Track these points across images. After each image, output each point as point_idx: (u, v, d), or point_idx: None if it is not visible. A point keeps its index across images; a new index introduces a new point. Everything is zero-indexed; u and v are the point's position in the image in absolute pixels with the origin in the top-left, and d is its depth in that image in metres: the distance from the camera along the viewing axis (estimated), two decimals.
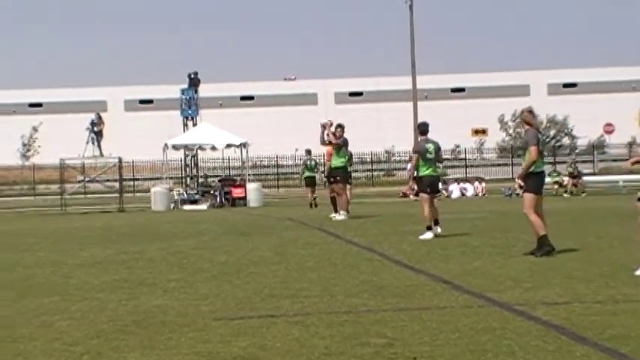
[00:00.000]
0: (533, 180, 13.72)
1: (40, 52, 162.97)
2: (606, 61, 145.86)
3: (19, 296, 10.62)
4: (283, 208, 36.11)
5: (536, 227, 13.52)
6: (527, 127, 14.07)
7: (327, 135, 24.70)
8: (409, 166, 19.88)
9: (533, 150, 13.58)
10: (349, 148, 25.39)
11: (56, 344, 7.58)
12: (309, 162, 35.65)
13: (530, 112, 14.30)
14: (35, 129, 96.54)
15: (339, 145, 24.60)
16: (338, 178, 24.73)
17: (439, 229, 17.62)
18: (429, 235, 17.21)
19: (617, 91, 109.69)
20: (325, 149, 27.23)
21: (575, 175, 45.49)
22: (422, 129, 18.49)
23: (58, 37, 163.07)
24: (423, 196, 17.83)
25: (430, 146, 17.88)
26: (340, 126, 24.93)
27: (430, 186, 17.97)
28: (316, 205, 33.51)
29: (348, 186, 26.32)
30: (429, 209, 17.55)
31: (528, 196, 13.71)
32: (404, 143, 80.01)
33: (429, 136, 18.11)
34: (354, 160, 26.38)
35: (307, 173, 35.42)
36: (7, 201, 64.43)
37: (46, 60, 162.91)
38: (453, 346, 7.00)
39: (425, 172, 17.83)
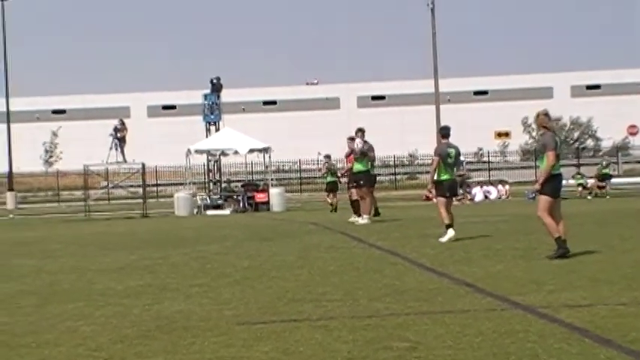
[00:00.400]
0: (550, 183, 13.57)
1: (63, 58, 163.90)
2: (630, 63, 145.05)
3: (44, 302, 10.67)
4: (306, 213, 36.12)
5: (551, 230, 13.46)
6: (543, 130, 13.95)
7: (357, 146, 24.74)
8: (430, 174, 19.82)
9: (551, 155, 13.46)
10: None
11: (80, 350, 7.61)
12: (332, 167, 35.73)
13: (547, 114, 14.03)
14: (55, 134, 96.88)
15: (365, 152, 24.72)
16: (362, 182, 24.75)
17: (452, 232, 17.43)
18: (450, 233, 17.16)
19: None
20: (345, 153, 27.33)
21: (605, 178, 45.21)
22: (443, 132, 18.50)
23: (81, 44, 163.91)
24: (441, 199, 17.82)
25: (452, 151, 17.93)
26: (361, 130, 24.99)
27: (449, 190, 18.03)
28: (336, 210, 33.59)
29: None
30: (446, 211, 17.56)
31: (544, 199, 13.59)
32: (427, 147, 79.77)
33: (451, 140, 18.11)
34: (377, 163, 26.46)
35: (330, 178, 35.48)
36: (32, 207, 64.82)
37: (69, 66, 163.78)
38: (476, 350, 6.98)
39: (444, 176, 17.83)
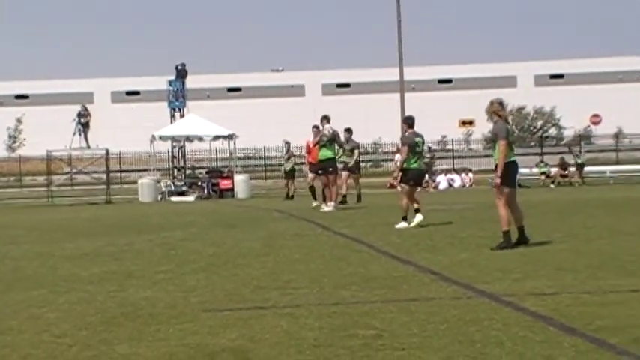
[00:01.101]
0: (505, 172, 13.42)
1: (27, 43, 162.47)
2: (593, 52, 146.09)
3: (7, 288, 10.59)
4: (271, 200, 36.09)
5: (502, 222, 13.37)
6: (496, 118, 13.85)
7: (328, 132, 24.88)
8: (397, 157, 19.99)
9: (502, 144, 13.36)
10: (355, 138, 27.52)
11: (44, 336, 7.56)
12: (291, 154, 35.89)
13: (500, 103, 14.01)
14: (19, 120, 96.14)
15: (333, 139, 24.86)
16: (330, 169, 24.80)
17: (421, 217, 17.82)
18: (403, 224, 17.57)
19: (604, 82, 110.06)
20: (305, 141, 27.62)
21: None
22: (409, 122, 18.67)
23: (46, 29, 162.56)
24: (405, 187, 18.08)
25: (419, 140, 18.17)
26: (326, 117, 25.03)
27: (414, 179, 18.28)
28: (292, 197, 33.74)
29: (351, 176, 28.15)
30: (407, 200, 17.89)
31: (500, 189, 13.51)
32: (391, 135, 79.98)
33: (415, 129, 18.32)
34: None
35: (289, 165, 35.48)
36: None
37: (32, 51, 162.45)
38: (441, 337, 7.01)
39: (413, 165, 18.07)
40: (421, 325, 7.46)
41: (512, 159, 13.63)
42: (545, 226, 16.39)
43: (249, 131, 70.03)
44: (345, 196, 26.89)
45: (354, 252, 13.48)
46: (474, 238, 14.86)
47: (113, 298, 9.55)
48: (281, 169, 41.58)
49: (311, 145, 26.28)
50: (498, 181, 13.46)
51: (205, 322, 7.95)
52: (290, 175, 35.46)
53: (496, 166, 13.54)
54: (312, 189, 27.23)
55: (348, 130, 28.91)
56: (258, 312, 8.35)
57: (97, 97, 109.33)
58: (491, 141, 14.09)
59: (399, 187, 19.97)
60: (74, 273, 11.85)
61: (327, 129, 24.85)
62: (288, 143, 37.05)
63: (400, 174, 18.34)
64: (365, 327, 7.47)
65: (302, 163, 37.84)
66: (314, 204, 26.32)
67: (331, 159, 24.83)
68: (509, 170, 13.53)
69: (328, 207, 24.30)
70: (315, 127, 25.96)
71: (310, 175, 26.57)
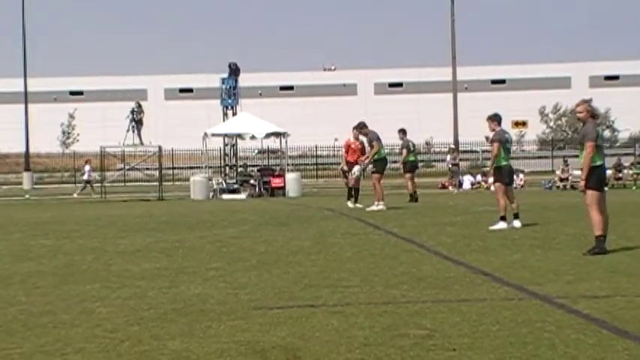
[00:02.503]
0: (592, 176, 12.86)
1: (81, 40, 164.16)
2: None
3: (61, 283, 10.70)
4: (322, 199, 36.10)
5: (595, 226, 12.81)
6: (586, 118, 13.03)
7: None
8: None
9: (590, 146, 12.71)
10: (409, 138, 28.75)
11: (97, 331, 7.63)
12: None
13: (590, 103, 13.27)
14: (72, 116, 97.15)
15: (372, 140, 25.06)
16: (375, 169, 24.95)
17: (518, 224, 17.36)
18: (502, 225, 17.07)
19: None
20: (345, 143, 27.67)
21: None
22: (497, 119, 18.05)
23: (100, 25, 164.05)
24: (500, 185, 17.65)
25: (508, 137, 17.91)
26: (362, 124, 25.47)
27: (509, 175, 18.01)
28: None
29: (408, 175, 29.56)
30: (504, 199, 17.45)
31: (590, 193, 12.89)
32: (443, 135, 79.76)
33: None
34: (393, 151, 28.06)
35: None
36: (48, 188, 65.03)
37: (87, 48, 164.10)
38: (493, 338, 6.97)
39: (503, 162, 17.73)
40: (472, 326, 7.42)
41: (599, 162, 12.93)
42: None
43: (301, 130, 70.25)
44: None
45: (405, 251, 13.45)
46: (527, 240, 14.75)
47: (165, 294, 9.61)
48: (332, 168, 41.67)
49: (352, 145, 26.40)
50: (582, 184, 12.95)
51: (256, 319, 7.97)
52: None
53: (582, 169, 13.08)
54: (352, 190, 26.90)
55: (402, 131, 29.81)
56: (309, 310, 8.35)
57: (151, 94, 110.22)
58: (578, 143, 13.39)
59: (492, 187, 19.55)
60: (127, 269, 11.95)
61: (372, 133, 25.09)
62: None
63: (493, 173, 17.85)
64: (415, 327, 7.45)
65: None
66: (354, 205, 26.06)
67: (380, 159, 25.04)
68: (596, 174, 12.93)
69: (379, 205, 24.26)
70: (359, 127, 25.85)
71: (376, 175, 25.90)
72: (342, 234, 16.72)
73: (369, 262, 12.00)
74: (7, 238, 17.70)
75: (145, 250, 14.55)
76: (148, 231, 18.78)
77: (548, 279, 10.07)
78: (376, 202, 24.43)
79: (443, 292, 9.29)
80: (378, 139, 25.08)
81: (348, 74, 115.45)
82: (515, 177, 47.68)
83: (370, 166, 26.37)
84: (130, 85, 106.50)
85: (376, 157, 25.02)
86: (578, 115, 13.39)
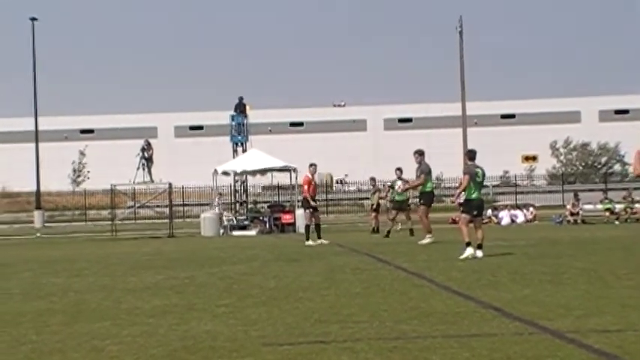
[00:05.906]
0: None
1: (91, 78, 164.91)
2: None
3: (71, 321, 10.70)
4: (332, 234, 36.02)
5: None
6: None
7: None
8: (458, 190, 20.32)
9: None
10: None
11: None
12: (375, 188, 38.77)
13: None
14: (82, 153, 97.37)
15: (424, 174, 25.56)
16: (422, 202, 25.75)
17: (480, 254, 18.43)
18: (469, 251, 18.34)
19: None
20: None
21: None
22: (471, 155, 19.55)
23: (109, 64, 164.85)
24: (466, 217, 18.96)
25: (479, 171, 18.98)
26: (422, 151, 26.17)
27: (477, 209, 19.09)
28: (378, 231, 34.58)
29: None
30: (467, 227, 18.71)
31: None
32: (453, 170, 79.70)
33: (477, 162, 19.33)
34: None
35: (374, 199, 38.12)
36: (59, 226, 65.12)
37: (97, 86, 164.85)
38: None
39: (473, 195, 18.88)
40: None
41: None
42: (610, 263, 16.18)
43: None
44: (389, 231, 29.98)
45: (415, 286, 13.42)
46: (537, 274, 14.70)
47: (175, 331, 9.60)
48: (342, 204, 42.83)
49: (310, 182, 27.61)
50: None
51: (266, 356, 7.95)
52: (376, 209, 37.26)
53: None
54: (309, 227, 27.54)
55: (399, 169, 31.22)
56: (319, 346, 8.33)
57: (161, 131, 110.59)
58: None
59: (459, 217, 20.35)
60: (137, 306, 11.94)
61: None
62: (373, 179, 39.83)
63: (460, 200, 19.08)
64: None
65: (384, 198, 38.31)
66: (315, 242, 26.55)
67: (426, 192, 25.90)
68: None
69: (426, 239, 24.72)
70: (419, 152, 26.10)
71: (422, 208, 25.95)
72: (352, 269, 16.70)
73: (379, 298, 11.98)
74: (17, 277, 17.72)
75: (155, 287, 14.55)
76: (158, 268, 18.78)
77: (559, 314, 10.03)
78: (428, 236, 24.84)
79: (453, 327, 9.26)
80: (429, 173, 25.38)
81: (358, 110, 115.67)
82: (525, 211, 48.16)
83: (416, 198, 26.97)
84: (140, 123, 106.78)
85: (424, 189, 25.67)
86: None
